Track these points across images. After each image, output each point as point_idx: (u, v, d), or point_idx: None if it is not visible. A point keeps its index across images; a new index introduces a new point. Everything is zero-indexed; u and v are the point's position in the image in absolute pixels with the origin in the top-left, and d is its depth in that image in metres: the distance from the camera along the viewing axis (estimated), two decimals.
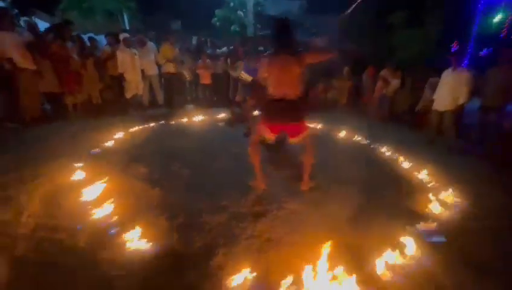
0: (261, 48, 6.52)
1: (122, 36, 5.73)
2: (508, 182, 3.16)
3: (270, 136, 2.49)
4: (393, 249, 1.94)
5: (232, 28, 11.15)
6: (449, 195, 2.77)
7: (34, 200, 2.37)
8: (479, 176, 3.26)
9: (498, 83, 4.03)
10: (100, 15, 8.74)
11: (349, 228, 2.18)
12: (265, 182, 2.74)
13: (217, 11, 11.70)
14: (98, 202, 2.37)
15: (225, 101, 6.54)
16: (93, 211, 2.23)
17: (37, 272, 1.64)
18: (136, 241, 1.93)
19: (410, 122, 5.81)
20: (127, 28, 9.78)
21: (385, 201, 2.64)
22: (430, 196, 2.74)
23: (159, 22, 14.01)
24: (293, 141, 2.54)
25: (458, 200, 2.70)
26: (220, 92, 6.62)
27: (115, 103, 5.71)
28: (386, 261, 1.84)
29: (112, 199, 2.36)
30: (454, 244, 2.05)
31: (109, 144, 3.88)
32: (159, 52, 5.90)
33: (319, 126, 5.36)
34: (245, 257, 1.83)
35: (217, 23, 11.44)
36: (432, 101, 4.62)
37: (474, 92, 4.26)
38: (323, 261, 1.74)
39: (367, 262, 1.82)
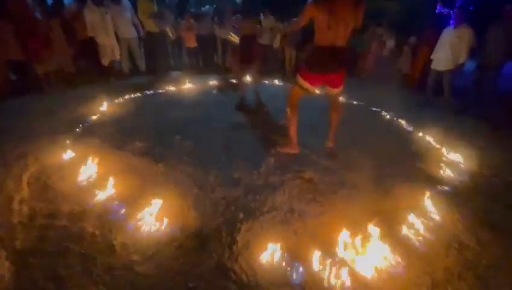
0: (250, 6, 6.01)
1: None
2: (507, 141, 3.24)
3: (313, 89, 2.39)
4: (415, 212, 1.94)
5: None
6: (457, 156, 2.81)
7: (22, 184, 2.11)
8: (480, 136, 3.32)
9: (499, 40, 3.97)
10: None
11: (368, 194, 2.16)
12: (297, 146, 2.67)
13: None
14: (98, 182, 2.16)
15: (213, 66, 6.12)
16: (95, 193, 2.03)
17: (48, 263, 1.47)
18: (150, 222, 1.79)
19: (406, 83, 5.77)
20: None
21: (399, 165, 2.62)
22: (440, 158, 2.77)
23: None
24: (332, 92, 2.46)
25: (465, 161, 2.75)
26: (207, 56, 6.15)
27: (91, 72, 5.13)
28: (411, 224, 1.84)
29: (113, 179, 2.15)
30: (469, 205, 2.09)
31: (94, 117, 3.52)
32: (135, 10, 5.21)
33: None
34: (270, 230, 1.75)
35: None
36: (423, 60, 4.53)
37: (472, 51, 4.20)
38: (351, 230, 1.70)
39: (393, 226, 1.82)
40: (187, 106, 4.07)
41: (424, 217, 1.93)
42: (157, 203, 1.92)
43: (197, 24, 5.61)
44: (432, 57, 4.49)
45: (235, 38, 4.83)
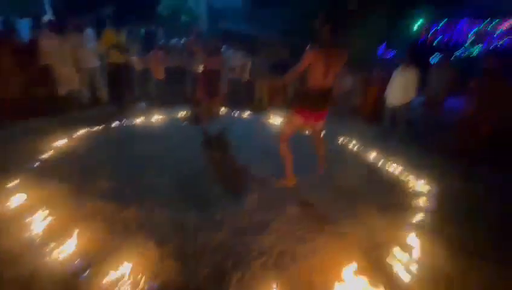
0: (219, 42, 6.19)
1: (46, 19, 4.68)
2: (459, 168, 3.59)
3: (305, 124, 2.59)
4: (398, 245, 1.99)
5: (183, 18, 10.33)
6: (422, 186, 3.02)
7: None
8: (436, 164, 3.65)
9: (439, 80, 4.60)
10: None
11: (351, 229, 2.16)
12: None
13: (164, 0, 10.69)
14: (55, 233, 1.84)
15: (182, 98, 6.01)
16: (50, 249, 1.71)
17: None
18: (124, 282, 1.54)
19: (364, 116, 6.28)
20: (47, 10, 8.10)
21: (374, 198, 2.70)
22: (408, 188, 2.95)
23: (85, 5, 12.14)
24: (318, 125, 2.67)
25: (429, 189, 2.96)
26: (175, 88, 6.04)
27: (47, 101, 4.65)
28: (396, 258, 1.87)
29: (74, 229, 1.85)
30: (444, 233, 2.21)
31: (49, 154, 3.12)
32: (100, 39, 5.00)
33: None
34: (263, 279, 1.62)
35: (164, 13, 10.45)
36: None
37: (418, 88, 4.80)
38: (343, 269, 1.66)
39: (380, 261, 1.83)
40: (156, 140, 3.84)
41: (407, 249, 1.97)
42: (131, 256, 1.68)
43: (165, 56, 5.55)
44: (386, 93, 5.00)
45: None
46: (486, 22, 9.56)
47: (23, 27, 6.07)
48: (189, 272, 1.64)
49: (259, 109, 6.20)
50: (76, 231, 1.84)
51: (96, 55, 5.02)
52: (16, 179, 2.44)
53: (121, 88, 5.07)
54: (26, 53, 4.52)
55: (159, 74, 5.48)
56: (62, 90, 4.80)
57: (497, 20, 9.71)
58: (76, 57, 4.88)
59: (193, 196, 2.50)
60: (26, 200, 2.17)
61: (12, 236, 1.80)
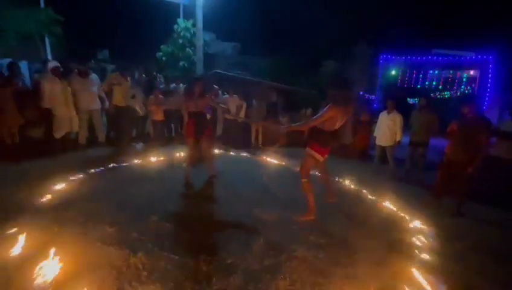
0: (216, 87, 6.57)
1: (50, 65, 4.88)
2: (446, 205, 3.77)
3: (322, 159, 3.00)
4: (408, 285, 2.03)
5: (181, 64, 10.95)
6: (418, 223, 3.14)
7: None
8: (427, 202, 3.81)
9: (420, 123, 5.03)
10: (14, 38, 7.22)
11: (362, 270, 2.19)
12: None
13: (162, 47, 11.42)
14: (64, 282, 1.75)
15: (180, 139, 6.14)
16: None
17: None
18: None
19: (355, 154, 6.59)
20: (49, 55, 8.41)
21: (377, 237, 2.78)
22: (407, 226, 3.06)
23: (84, 51, 12.69)
24: (325, 158, 3.09)
25: (427, 227, 3.08)
26: (175, 128, 6.21)
27: (42, 143, 4.62)
28: None
29: (81, 279, 1.78)
30: (446, 270, 2.28)
31: (46, 198, 3.03)
32: (105, 81, 5.20)
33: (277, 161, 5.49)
34: None
35: (163, 58, 11.10)
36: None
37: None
38: None
39: None
40: (157, 181, 3.83)
41: (419, 288, 2.01)
42: None
43: (165, 100, 5.79)
44: (375, 134, 5.36)
45: None
46: (451, 72, 10.77)
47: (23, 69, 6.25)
48: None
49: (256, 149, 6.39)
50: (85, 280, 1.76)
51: (97, 97, 5.16)
52: (15, 224, 2.34)
53: (120, 130, 5.14)
54: (27, 96, 4.61)
55: (159, 115, 5.65)
56: (58, 134, 4.80)
57: (459, 70, 10.96)
58: (78, 99, 5.01)
59: (201, 239, 2.47)
60: (28, 247, 2.07)
61: (18, 285, 1.69)
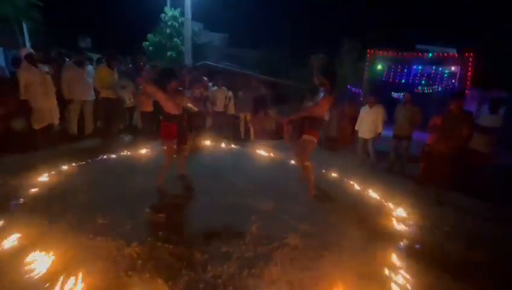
0: (206, 78, 6.50)
1: (24, 52, 4.62)
2: (428, 195, 3.99)
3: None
4: (391, 269, 2.17)
5: (169, 54, 10.69)
6: (401, 211, 3.32)
7: None
8: (409, 192, 4.02)
9: (404, 117, 5.23)
10: None
11: (350, 255, 2.31)
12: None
13: (149, 36, 11.06)
14: (59, 273, 1.76)
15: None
16: (57, 289, 1.64)
17: None
18: None
19: (331, 146, 6.79)
20: (27, 42, 7.98)
21: (363, 224, 2.92)
22: (390, 214, 3.22)
23: (65, 38, 12.14)
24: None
25: (408, 215, 3.26)
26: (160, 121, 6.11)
27: (24, 135, 4.45)
28: (394, 281, 2.04)
29: (77, 270, 1.79)
30: (429, 255, 2.45)
31: (33, 190, 2.97)
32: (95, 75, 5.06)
33: (271, 154, 5.57)
34: None
35: (150, 48, 10.78)
36: None
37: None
38: None
39: (380, 285, 1.98)
40: (148, 173, 3.80)
41: (402, 273, 2.15)
42: None
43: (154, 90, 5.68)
44: (356, 128, 5.54)
45: (191, 107, 5.02)
46: (433, 67, 11.12)
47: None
48: None
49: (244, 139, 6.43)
50: (80, 270, 1.78)
51: (92, 89, 5.02)
52: (5, 217, 2.30)
53: (110, 121, 5.04)
54: (5, 85, 4.41)
55: (148, 106, 5.54)
56: (37, 125, 4.61)
57: (441, 66, 11.34)
58: (73, 90, 4.88)
59: (194, 229, 2.52)
60: (20, 240, 2.05)
61: (12, 279, 1.69)
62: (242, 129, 6.83)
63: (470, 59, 9.73)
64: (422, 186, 4.05)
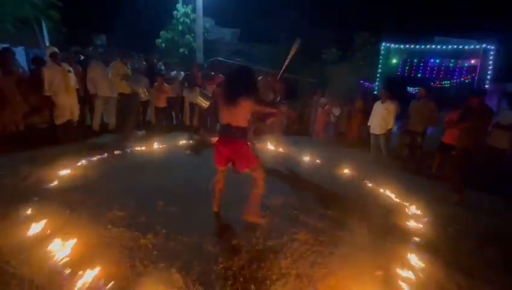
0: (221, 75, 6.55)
1: (48, 51, 4.83)
2: (443, 192, 3.91)
3: None
4: (403, 265, 2.16)
5: (181, 50, 10.81)
6: (415, 209, 3.28)
7: None
8: (422, 189, 3.95)
9: (418, 113, 5.11)
10: (12, 23, 7.07)
11: (359, 251, 2.32)
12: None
13: (162, 33, 11.21)
14: (79, 261, 1.86)
15: (181, 127, 6.20)
16: (77, 276, 1.74)
17: None
18: None
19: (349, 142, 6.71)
20: (46, 40, 8.27)
21: (374, 221, 2.90)
22: (404, 211, 3.19)
23: (81, 36, 12.47)
24: None
25: (421, 213, 3.21)
26: (176, 116, 6.27)
27: (46, 130, 4.68)
28: (404, 278, 2.03)
29: (95, 256, 1.90)
30: (441, 253, 2.42)
31: (55, 183, 3.13)
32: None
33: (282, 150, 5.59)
34: None
35: (162, 45, 10.94)
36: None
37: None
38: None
39: (390, 282, 1.98)
40: (162, 168, 3.93)
41: (413, 270, 2.14)
42: (157, 282, 1.74)
43: (168, 87, 5.80)
44: (369, 123, 5.45)
45: (203, 103, 5.09)
46: (452, 61, 10.71)
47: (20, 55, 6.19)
48: None
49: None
50: (98, 259, 1.88)
51: (114, 86, 5.20)
52: (28, 209, 2.45)
53: (127, 117, 5.19)
54: (28, 83, 4.62)
55: (162, 102, 5.68)
56: (58, 121, 4.82)
57: (460, 59, 10.90)
58: (97, 87, 5.17)
59: (206, 222, 2.59)
60: (43, 229, 2.18)
61: (35, 264, 1.81)
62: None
63: (491, 52, 9.31)
64: (442, 183, 3.95)
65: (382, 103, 5.23)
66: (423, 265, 2.20)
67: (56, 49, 4.86)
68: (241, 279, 1.88)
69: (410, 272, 2.10)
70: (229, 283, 1.84)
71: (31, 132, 4.51)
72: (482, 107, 3.53)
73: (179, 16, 11.26)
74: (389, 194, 3.73)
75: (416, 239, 2.63)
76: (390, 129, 5.23)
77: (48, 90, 4.62)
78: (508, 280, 2.17)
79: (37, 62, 5.07)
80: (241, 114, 2.35)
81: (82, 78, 5.27)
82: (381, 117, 5.16)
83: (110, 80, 5.08)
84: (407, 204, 3.41)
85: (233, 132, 2.37)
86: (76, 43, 8.02)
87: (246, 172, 2.48)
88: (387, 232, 2.71)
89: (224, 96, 2.38)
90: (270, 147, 5.68)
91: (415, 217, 3.11)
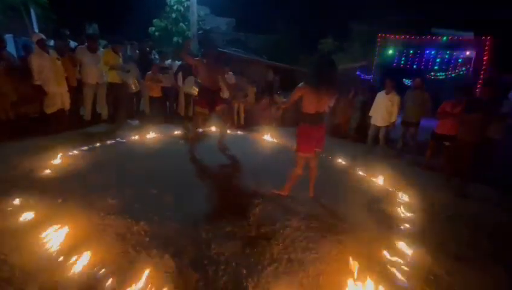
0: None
1: (36, 37, 4.69)
2: (438, 182, 3.97)
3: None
4: (392, 251, 2.21)
5: (175, 39, 10.60)
6: (406, 197, 3.32)
7: None
8: (415, 178, 4.01)
9: (413, 103, 5.11)
10: (0, 10, 6.83)
11: (350, 237, 2.36)
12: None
13: (155, 21, 10.96)
14: (70, 248, 1.86)
15: (174, 116, 6.15)
16: (69, 262, 1.74)
17: None
18: None
19: (344, 133, 6.73)
20: (36, 28, 8.04)
21: (366, 209, 2.96)
22: (395, 199, 3.24)
23: (72, 25, 12.16)
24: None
25: (413, 200, 3.27)
26: (170, 106, 6.20)
27: (37, 119, 4.59)
28: (393, 262, 2.08)
29: (88, 242, 1.90)
30: (430, 239, 2.47)
31: (46, 172, 3.09)
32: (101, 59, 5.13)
33: (278, 141, 5.59)
34: (276, 284, 1.75)
35: (156, 34, 10.70)
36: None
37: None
38: (347, 274, 1.84)
39: (379, 266, 2.02)
40: (155, 157, 3.91)
41: (401, 255, 2.19)
42: (149, 269, 1.75)
43: (162, 76, 5.71)
44: (370, 114, 5.41)
45: (195, 91, 5.03)
46: (448, 52, 10.70)
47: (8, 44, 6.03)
48: (208, 281, 1.74)
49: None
50: (91, 245, 1.88)
51: (103, 73, 5.11)
52: (20, 196, 2.42)
53: (117, 107, 5.13)
54: (18, 71, 4.51)
55: (156, 92, 5.60)
56: (49, 110, 4.73)
57: (456, 51, 10.89)
58: (86, 74, 5.01)
59: (200, 209, 2.60)
60: (34, 217, 2.17)
61: (27, 252, 1.80)
62: (235, 116, 6.84)
63: (487, 43, 9.32)
64: (434, 173, 4.00)
65: (386, 94, 5.10)
66: (412, 250, 2.25)
67: (43, 36, 4.72)
68: (233, 264, 1.90)
69: (399, 257, 2.15)
70: (222, 267, 1.86)
71: (22, 121, 4.42)
72: (494, 97, 3.50)
73: (172, 3, 11.00)
74: (382, 183, 3.77)
75: (407, 225, 2.68)
76: (394, 122, 5.13)
77: (37, 79, 4.52)
78: (496, 265, 2.23)
79: (29, 50, 4.95)
80: (325, 103, 2.74)
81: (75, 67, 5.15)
82: (385, 109, 5.03)
83: (98, 67, 4.98)
84: (399, 192, 3.45)
85: (322, 118, 2.81)
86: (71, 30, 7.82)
87: (319, 152, 2.94)
88: (378, 218, 2.76)
89: (321, 88, 2.64)
90: (265, 137, 5.68)
91: (405, 204, 3.15)
